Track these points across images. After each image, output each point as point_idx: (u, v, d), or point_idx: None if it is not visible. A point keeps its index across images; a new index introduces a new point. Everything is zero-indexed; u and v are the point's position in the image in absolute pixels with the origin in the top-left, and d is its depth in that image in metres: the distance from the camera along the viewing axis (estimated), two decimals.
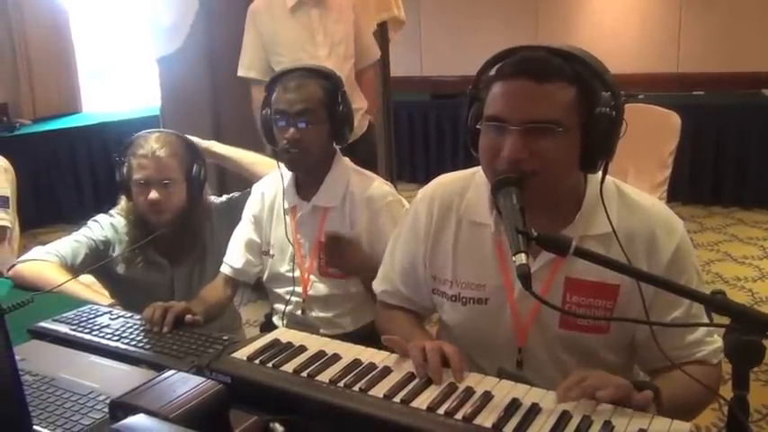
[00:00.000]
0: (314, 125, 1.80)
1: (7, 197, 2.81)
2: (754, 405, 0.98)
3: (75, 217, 4.96)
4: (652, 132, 3.40)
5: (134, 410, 0.90)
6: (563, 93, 1.19)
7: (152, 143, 1.99)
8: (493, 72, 1.26)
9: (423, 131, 6.31)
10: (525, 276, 1.02)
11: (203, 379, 1.01)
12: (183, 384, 0.98)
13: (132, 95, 6.53)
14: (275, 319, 2.03)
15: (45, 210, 5.48)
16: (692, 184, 5.22)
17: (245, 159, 2.25)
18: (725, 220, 5.00)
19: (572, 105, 1.20)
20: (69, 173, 5.66)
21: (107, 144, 5.52)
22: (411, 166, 6.35)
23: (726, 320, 0.97)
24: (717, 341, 1.30)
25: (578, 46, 1.25)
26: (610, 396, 1.05)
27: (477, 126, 1.26)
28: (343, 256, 1.82)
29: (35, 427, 1.12)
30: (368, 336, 1.79)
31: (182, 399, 0.94)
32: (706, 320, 1.28)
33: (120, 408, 0.93)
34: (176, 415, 0.90)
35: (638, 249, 1.28)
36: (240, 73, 3.08)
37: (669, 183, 3.46)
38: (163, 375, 1.02)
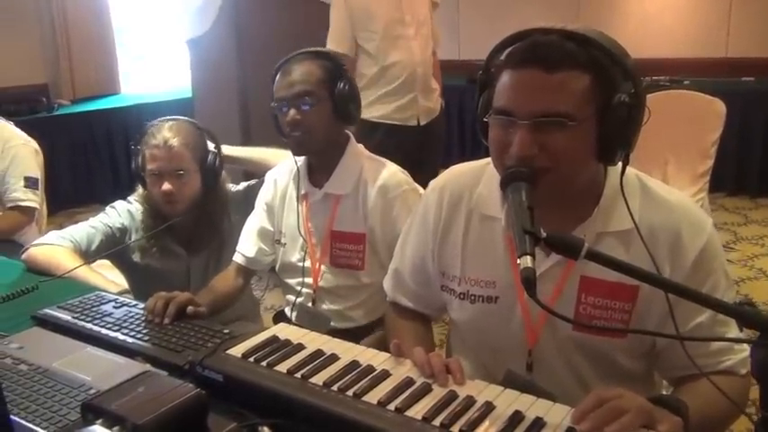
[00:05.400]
0: (315, 105, 1.73)
1: (37, 179, 2.83)
2: None
3: (110, 197, 4.97)
4: (694, 121, 3.24)
5: (104, 414, 0.85)
6: (576, 82, 1.09)
7: (164, 132, 1.95)
8: (503, 57, 1.16)
9: (458, 116, 6.17)
10: (529, 282, 0.93)
11: (181, 382, 0.96)
12: (160, 387, 0.93)
13: (172, 77, 6.55)
14: (287, 310, 1.98)
15: (82, 190, 5.56)
16: (739, 175, 5.01)
17: (260, 156, 2.19)
18: None
19: (586, 95, 1.10)
20: (106, 153, 5.72)
21: (144, 125, 5.52)
22: (445, 152, 6.21)
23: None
24: (745, 349, 1.20)
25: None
26: (631, 425, 0.95)
27: (485, 119, 1.18)
28: None
29: (19, 420, 1.09)
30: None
31: (155, 403, 0.89)
32: (734, 327, 1.18)
33: (91, 410, 0.88)
34: (146, 421, 0.85)
35: (660, 248, 1.17)
36: (330, 47, 3.06)
37: (714, 172, 3.29)
38: (141, 376, 0.97)
